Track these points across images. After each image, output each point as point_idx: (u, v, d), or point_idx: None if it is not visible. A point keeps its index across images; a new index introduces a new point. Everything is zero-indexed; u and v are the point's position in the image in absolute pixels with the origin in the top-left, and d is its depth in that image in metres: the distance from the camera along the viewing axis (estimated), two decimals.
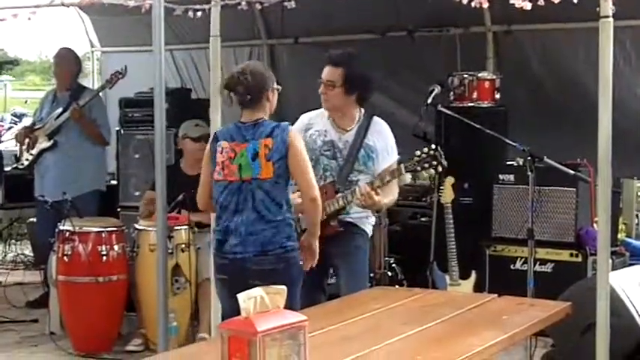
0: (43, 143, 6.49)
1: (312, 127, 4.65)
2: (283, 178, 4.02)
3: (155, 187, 5.66)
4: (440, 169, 4.37)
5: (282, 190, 4.04)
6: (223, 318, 4.01)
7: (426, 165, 4.34)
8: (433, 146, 4.37)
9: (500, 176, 5.87)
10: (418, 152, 4.37)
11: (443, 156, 4.34)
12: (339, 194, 4.46)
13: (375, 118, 4.65)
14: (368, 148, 4.54)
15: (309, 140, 4.57)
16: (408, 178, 9.45)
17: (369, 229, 4.67)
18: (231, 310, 3.17)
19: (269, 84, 4.14)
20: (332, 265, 4.58)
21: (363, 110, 4.64)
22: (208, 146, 4.23)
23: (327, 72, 4.57)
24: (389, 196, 4.51)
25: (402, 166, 4.41)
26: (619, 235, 6.20)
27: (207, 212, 4.69)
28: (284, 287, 2.58)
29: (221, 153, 4.07)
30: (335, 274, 4.68)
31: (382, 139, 4.59)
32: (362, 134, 4.56)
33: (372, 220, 4.70)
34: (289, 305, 2.61)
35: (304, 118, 4.72)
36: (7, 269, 7.86)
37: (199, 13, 4.88)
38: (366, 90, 4.61)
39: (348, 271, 4.53)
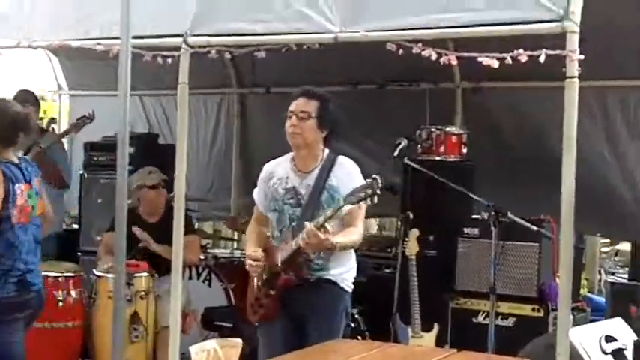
0: None
1: (273, 176, 4.50)
2: None
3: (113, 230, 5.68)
4: (375, 199, 4.06)
5: None
6: None
7: (362, 195, 4.04)
8: (374, 176, 4.10)
9: (465, 230, 5.87)
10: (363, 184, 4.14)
11: (379, 186, 4.05)
12: (285, 247, 4.28)
13: (341, 158, 4.43)
14: (332, 189, 4.31)
15: (272, 190, 4.44)
16: (374, 227, 9.42)
17: (347, 286, 4.47)
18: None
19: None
20: (301, 317, 4.38)
21: (327, 151, 4.44)
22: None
23: (301, 103, 4.38)
24: (348, 236, 4.28)
25: (341, 198, 4.15)
26: (581, 291, 6.23)
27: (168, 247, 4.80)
28: (239, 340, 2.54)
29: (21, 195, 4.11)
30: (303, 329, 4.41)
31: (348, 179, 4.31)
32: (325, 175, 4.34)
33: (352, 275, 4.51)
34: None
35: (267, 167, 4.59)
36: None
37: (169, 60, 4.85)
38: (336, 128, 4.44)
39: (317, 331, 4.29)
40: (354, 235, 4.33)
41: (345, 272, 4.43)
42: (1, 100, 4.34)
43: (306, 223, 4.16)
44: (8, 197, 4.02)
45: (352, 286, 4.51)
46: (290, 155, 4.50)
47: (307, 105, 4.36)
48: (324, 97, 4.46)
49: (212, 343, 2.48)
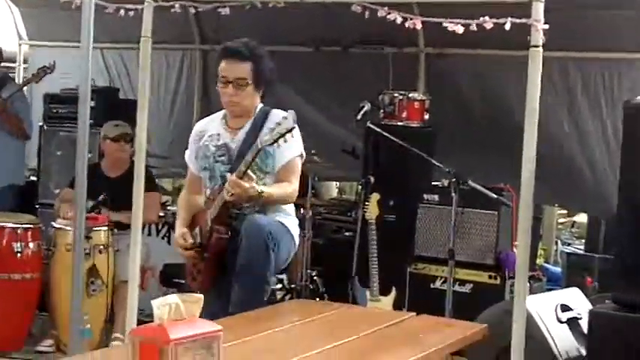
0: None
1: (204, 134, 4.30)
2: None
3: (74, 186, 5.62)
4: (291, 136, 3.82)
5: None
6: None
7: (276, 134, 3.80)
8: (284, 115, 3.87)
9: (426, 196, 5.89)
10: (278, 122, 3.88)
11: (293, 125, 3.81)
12: (213, 204, 4.07)
13: (274, 111, 4.16)
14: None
15: (203, 148, 4.25)
16: (334, 190, 9.42)
17: (294, 231, 4.22)
18: None
19: None
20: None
21: (260, 105, 4.22)
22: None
23: (235, 68, 4.10)
24: (277, 188, 4.07)
25: (258, 141, 3.90)
26: (538, 260, 6.30)
27: (127, 213, 4.69)
28: (201, 296, 2.53)
29: None
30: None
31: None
32: (257, 129, 4.09)
33: (296, 227, 4.28)
34: None
35: (198, 126, 4.41)
36: None
37: (131, 13, 4.77)
38: (271, 83, 4.20)
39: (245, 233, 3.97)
40: (286, 188, 4.11)
41: (289, 218, 4.22)
42: None
43: (228, 174, 4.01)
44: None
45: (297, 239, 4.28)
46: (222, 112, 4.33)
47: (242, 69, 4.11)
48: (256, 54, 4.16)
49: (174, 298, 2.45)
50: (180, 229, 4.31)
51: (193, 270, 4.31)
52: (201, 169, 4.32)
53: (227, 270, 4.08)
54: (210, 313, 3.98)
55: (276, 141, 3.83)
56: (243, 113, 4.20)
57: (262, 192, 3.97)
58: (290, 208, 4.30)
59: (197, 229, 4.26)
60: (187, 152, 4.47)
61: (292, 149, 4.11)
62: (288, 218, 4.26)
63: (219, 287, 4.13)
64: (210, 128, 4.31)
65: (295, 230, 4.29)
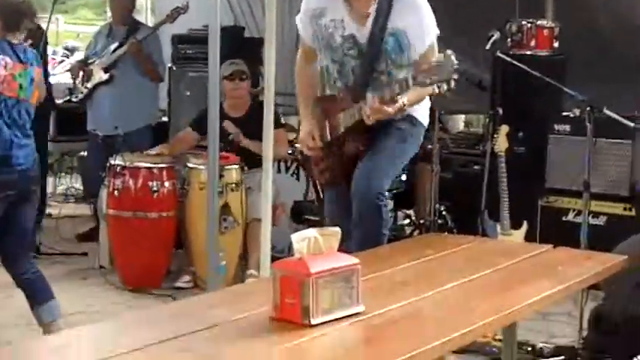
0: (99, 77, 6.47)
1: (325, 13, 3.89)
2: None
3: (193, 127, 5.74)
4: (452, 84, 3.48)
5: None
6: None
7: (434, 77, 3.46)
8: (448, 52, 3.49)
9: (556, 126, 5.76)
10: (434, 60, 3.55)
11: (455, 66, 3.45)
12: (347, 111, 3.83)
13: None
14: (397, 33, 3.76)
15: (326, 34, 3.88)
16: (461, 123, 9.24)
17: (422, 117, 4.02)
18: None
19: None
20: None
21: None
22: None
23: None
24: (415, 92, 3.72)
25: (410, 76, 3.58)
26: None
27: (258, 143, 4.81)
28: (338, 229, 2.55)
29: (5, 68, 4.12)
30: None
31: (413, 15, 3.74)
32: (384, 17, 3.71)
33: (425, 112, 4.05)
34: None
35: (311, 3, 3.95)
36: (57, 202, 7.94)
37: None
38: None
39: (380, 142, 3.87)
40: (426, 88, 3.74)
41: (417, 110, 4.01)
42: None
43: (369, 95, 3.73)
44: None
45: (428, 120, 4.12)
46: None
47: None
48: None
49: (312, 232, 2.48)
50: (306, 125, 4.09)
51: (321, 164, 4.15)
52: (330, 60, 4.03)
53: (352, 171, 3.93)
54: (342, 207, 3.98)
55: (431, 85, 3.49)
56: None
57: (405, 105, 3.73)
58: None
59: (326, 126, 4.05)
60: (300, 23, 4.11)
61: (429, 33, 3.79)
62: (421, 105, 4.03)
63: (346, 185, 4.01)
64: (331, 9, 3.90)
65: (424, 115, 4.11)
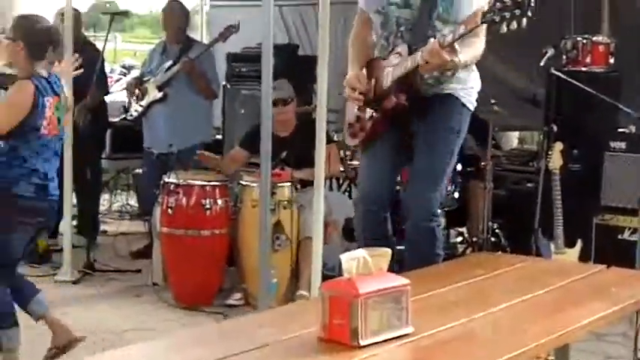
0: (153, 95, 6.55)
1: None
2: None
3: (242, 145, 5.74)
4: (524, 21, 3.36)
5: None
6: None
7: (507, 15, 3.36)
8: None
9: (612, 144, 5.69)
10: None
11: (531, 5, 3.35)
12: (396, 65, 3.74)
13: None
14: None
15: None
16: (515, 140, 9.14)
17: (469, 103, 3.99)
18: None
19: None
20: (408, 136, 3.99)
21: None
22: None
23: None
24: (471, 52, 3.70)
25: (479, 14, 3.48)
26: None
27: (309, 170, 4.71)
28: (388, 250, 2.55)
29: (49, 108, 4.19)
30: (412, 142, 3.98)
31: None
32: None
33: (474, 92, 4.03)
34: None
35: None
36: (113, 219, 8.04)
37: None
38: None
39: (426, 149, 3.90)
40: (478, 48, 3.74)
41: (466, 88, 3.99)
42: (31, 16, 4.40)
43: (431, 39, 3.62)
44: (37, 109, 4.13)
45: (475, 104, 4.06)
46: None
47: None
48: None
49: (362, 252, 2.48)
50: (355, 69, 4.06)
51: (355, 125, 4.12)
52: (372, 10, 4.04)
53: (391, 131, 3.94)
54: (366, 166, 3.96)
55: (493, 22, 3.38)
56: None
57: (460, 63, 3.66)
58: None
59: (373, 80, 3.99)
60: None
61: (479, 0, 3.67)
62: (469, 78, 4.01)
63: (379, 145, 4.01)
64: None
65: (473, 93, 4.06)
